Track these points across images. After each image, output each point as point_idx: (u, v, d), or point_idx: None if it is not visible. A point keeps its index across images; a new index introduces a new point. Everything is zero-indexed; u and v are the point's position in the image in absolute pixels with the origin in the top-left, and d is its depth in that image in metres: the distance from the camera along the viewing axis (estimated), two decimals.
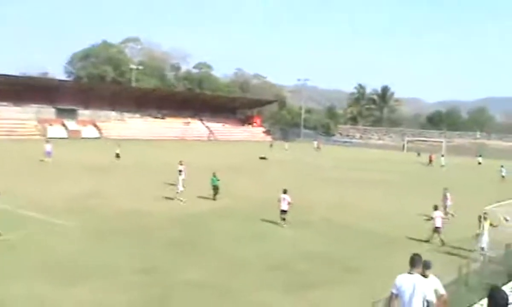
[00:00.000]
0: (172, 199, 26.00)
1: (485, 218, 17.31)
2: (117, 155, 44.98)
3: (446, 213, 22.79)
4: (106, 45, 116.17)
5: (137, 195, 27.46)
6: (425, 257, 8.47)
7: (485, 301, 7.48)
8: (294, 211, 21.74)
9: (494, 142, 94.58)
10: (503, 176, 44.04)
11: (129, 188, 29.75)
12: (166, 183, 30.20)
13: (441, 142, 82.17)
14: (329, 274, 15.12)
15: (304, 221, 22.66)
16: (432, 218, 19.59)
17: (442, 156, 61.30)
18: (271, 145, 77.36)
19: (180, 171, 28.49)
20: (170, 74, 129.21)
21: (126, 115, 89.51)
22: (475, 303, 10.73)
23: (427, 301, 7.68)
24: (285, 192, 21.50)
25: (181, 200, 25.39)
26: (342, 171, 45.52)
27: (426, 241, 19.17)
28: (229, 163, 45.74)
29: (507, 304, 5.57)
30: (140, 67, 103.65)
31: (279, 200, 21.49)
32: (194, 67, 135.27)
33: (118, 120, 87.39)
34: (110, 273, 14.08)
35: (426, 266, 8.61)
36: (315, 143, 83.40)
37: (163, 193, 27.56)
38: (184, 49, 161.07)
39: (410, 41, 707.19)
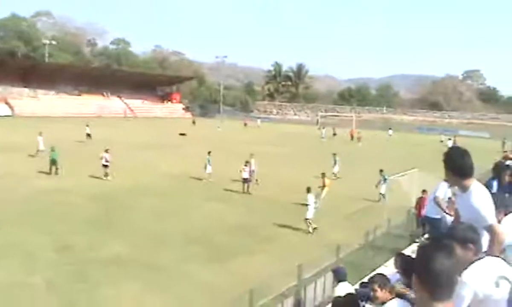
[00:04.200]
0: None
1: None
2: (88, 135, 43.64)
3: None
4: (15, 18, 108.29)
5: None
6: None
7: (390, 263, 8.11)
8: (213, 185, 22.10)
9: (399, 117, 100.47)
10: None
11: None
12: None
13: (352, 116, 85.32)
14: (246, 244, 15.87)
15: (222, 194, 23.30)
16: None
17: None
18: (193, 122, 76.19)
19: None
20: (86, 50, 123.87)
21: (40, 92, 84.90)
22: (381, 265, 11.68)
23: None
24: None
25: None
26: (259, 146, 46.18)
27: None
28: (148, 140, 45.16)
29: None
30: (54, 42, 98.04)
31: None
32: (111, 43, 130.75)
33: (31, 97, 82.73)
34: (26, 253, 13.92)
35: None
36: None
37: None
38: (100, 25, 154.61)
39: (324, 23, 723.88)
